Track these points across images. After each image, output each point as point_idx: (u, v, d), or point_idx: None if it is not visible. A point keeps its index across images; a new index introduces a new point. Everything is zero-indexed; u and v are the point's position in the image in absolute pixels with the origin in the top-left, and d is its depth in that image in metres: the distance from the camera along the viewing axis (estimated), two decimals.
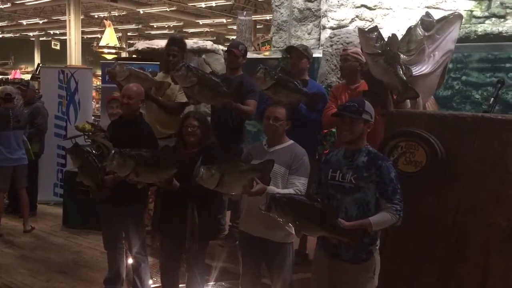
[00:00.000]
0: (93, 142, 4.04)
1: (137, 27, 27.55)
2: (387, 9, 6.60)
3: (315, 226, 2.69)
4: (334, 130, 4.51)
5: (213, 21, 23.77)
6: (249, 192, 2.97)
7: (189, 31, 27.49)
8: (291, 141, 3.29)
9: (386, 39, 3.49)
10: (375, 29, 3.45)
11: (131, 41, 27.39)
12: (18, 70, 23.13)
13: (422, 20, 3.73)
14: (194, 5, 20.82)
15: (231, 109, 4.11)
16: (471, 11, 6.21)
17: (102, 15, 23.01)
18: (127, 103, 3.77)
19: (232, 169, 2.97)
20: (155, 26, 27.49)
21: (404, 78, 3.37)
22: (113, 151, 3.18)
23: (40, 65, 14.70)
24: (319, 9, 7.27)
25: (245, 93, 4.10)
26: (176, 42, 4.60)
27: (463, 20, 5.50)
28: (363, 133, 2.78)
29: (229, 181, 2.93)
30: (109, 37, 17.83)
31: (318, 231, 2.74)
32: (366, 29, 3.57)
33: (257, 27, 21.57)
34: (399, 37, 3.70)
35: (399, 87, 3.38)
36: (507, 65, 5.59)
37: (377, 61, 3.38)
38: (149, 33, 29.55)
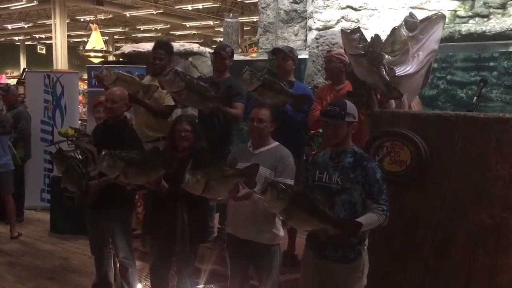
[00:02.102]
0: (77, 147, 4.03)
1: (123, 30, 27.45)
2: (372, 10, 6.65)
3: (307, 216, 2.60)
4: (321, 131, 4.53)
5: (200, 23, 23.76)
6: (235, 197, 2.97)
7: (176, 34, 27.44)
8: (276, 143, 3.30)
9: (369, 40, 3.52)
10: (358, 30, 3.48)
11: (118, 44, 27.23)
12: (4, 75, 22.89)
13: (405, 21, 3.76)
14: (181, 8, 20.79)
15: (218, 113, 4.12)
16: (455, 11, 6.28)
17: (88, 19, 22.88)
18: (110, 107, 3.76)
19: (218, 174, 2.97)
20: (142, 29, 27.41)
21: (387, 78, 3.40)
22: (103, 152, 3.17)
23: (26, 69, 14.57)
24: (305, 11, 7.31)
25: (232, 95, 4.11)
26: (162, 45, 4.60)
27: (447, 20, 5.58)
28: (348, 135, 2.79)
29: (215, 186, 2.93)
30: (96, 41, 17.72)
31: (309, 222, 2.62)
32: (349, 30, 3.60)
33: (244, 29, 21.61)
34: (384, 37, 3.74)
35: (383, 88, 3.41)
36: (491, 64, 5.66)
37: (360, 62, 3.40)
38: (136, 36, 29.44)
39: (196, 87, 3.82)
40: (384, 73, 3.40)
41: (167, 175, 3.37)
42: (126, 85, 4.12)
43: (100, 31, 18.82)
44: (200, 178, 2.89)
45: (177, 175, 3.28)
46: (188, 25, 24.42)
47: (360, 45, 3.40)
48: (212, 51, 4.95)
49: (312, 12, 7.01)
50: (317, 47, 5.89)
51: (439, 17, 3.85)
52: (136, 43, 10.77)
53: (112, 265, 4.13)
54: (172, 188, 3.38)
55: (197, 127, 3.66)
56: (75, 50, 20.97)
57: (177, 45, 6.44)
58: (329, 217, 2.60)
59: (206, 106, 3.94)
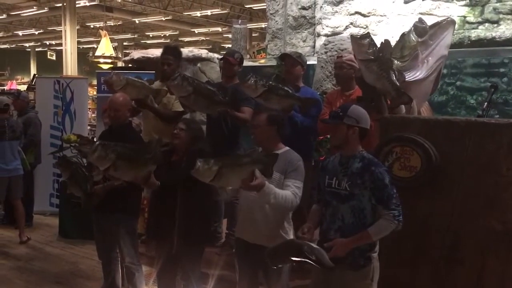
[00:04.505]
0: (80, 152, 4.05)
1: (133, 36, 27.67)
2: (381, 16, 6.63)
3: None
4: (329, 136, 4.52)
5: (209, 29, 23.92)
6: (248, 186, 2.81)
7: (185, 40, 27.61)
8: (287, 148, 3.27)
9: (379, 45, 3.51)
10: (367, 35, 3.47)
11: (127, 51, 27.45)
12: (14, 81, 23.12)
13: (415, 26, 3.75)
14: (189, 14, 20.94)
15: (226, 117, 4.12)
16: (465, 16, 6.24)
17: (98, 25, 23.10)
18: (113, 115, 3.80)
19: (232, 161, 2.86)
20: (151, 36, 27.62)
21: (397, 83, 3.38)
22: (96, 143, 3.16)
23: (36, 75, 14.70)
24: (314, 17, 7.30)
25: (241, 100, 4.11)
26: (170, 50, 4.61)
27: (457, 25, 5.54)
28: (348, 138, 2.75)
29: (227, 173, 2.77)
30: (105, 47, 17.90)
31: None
32: (359, 36, 3.59)
33: (253, 35, 21.69)
34: (393, 43, 3.73)
35: (392, 93, 3.39)
36: (501, 69, 5.63)
37: (370, 67, 3.39)
38: (145, 42, 29.65)
39: (204, 91, 3.83)
40: (394, 78, 3.39)
41: (162, 177, 3.38)
42: (135, 90, 4.13)
43: (109, 38, 18.99)
44: (212, 165, 2.72)
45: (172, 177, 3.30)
46: (196, 32, 24.57)
47: (370, 51, 3.38)
48: (221, 57, 4.96)
49: (320, 18, 7.00)
50: (326, 53, 5.88)
51: (448, 23, 3.84)
52: (145, 49, 10.85)
53: (120, 270, 4.12)
54: (163, 183, 3.38)
55: (195, 129, 3.64)
56: (85, 56, 21.20)
57: (185, 51, 6.47)
58: (333, 260, 2.62)
59: (214, 110, 3.94)
